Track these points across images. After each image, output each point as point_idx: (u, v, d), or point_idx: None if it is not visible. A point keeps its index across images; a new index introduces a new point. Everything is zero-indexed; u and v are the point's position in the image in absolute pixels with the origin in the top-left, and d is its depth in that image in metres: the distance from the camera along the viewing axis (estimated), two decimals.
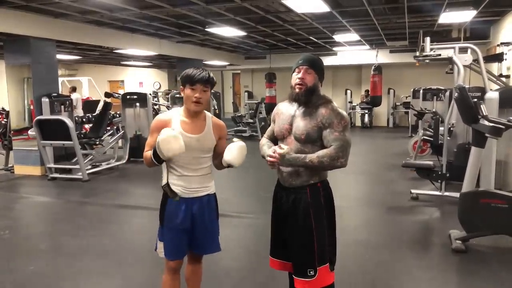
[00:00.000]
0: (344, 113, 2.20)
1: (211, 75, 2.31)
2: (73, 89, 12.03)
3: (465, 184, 3.89)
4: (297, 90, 2.19)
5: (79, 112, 10.72)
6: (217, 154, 2.42)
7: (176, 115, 2.34)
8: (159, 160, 2.22)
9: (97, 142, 7.66)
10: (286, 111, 2.29)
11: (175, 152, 2.16)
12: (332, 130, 2.13)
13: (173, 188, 2.32)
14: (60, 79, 11.57)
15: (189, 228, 2.35)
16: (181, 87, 2.32)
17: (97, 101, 11.95)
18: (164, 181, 2.33)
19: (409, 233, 4.42)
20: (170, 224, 2.35)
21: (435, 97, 10.73)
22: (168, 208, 2.35)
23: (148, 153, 2.31)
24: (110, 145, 8.01)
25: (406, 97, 13.88)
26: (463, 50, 5.45)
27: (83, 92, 14.06)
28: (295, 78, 2.21)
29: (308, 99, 2.18)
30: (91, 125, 8.40)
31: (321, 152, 2.12)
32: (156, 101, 13.56)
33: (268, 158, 2.18)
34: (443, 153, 5.40)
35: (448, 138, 5.54)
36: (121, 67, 17.12)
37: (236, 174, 7.35)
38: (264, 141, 2.41)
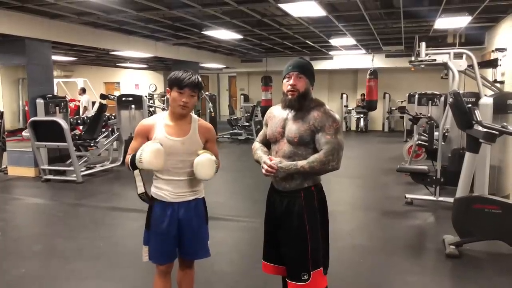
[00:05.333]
0: (336, 115, 2.19)
1: (200, 79, 2.29)
2: (83, 91, 12.06)
3: (459, 189, 3.91)
4: (289, 96, 2.19)
5: (92, 113, 10.87)
6: None
7: (160, 119, 2.33)
8: (134, 167, 2.21)
9: (92, 144, 7.63)
10: (278, 114, 2.29)
11: (153, 167, 2.17)
12: (324, 133, 2.13)
13: (159, 192, 2.31)
14: (56, 80, 11.56)
15: (176, 233, 2.33)
16: (168, 88, 2.31)
17: (93, 103, 11.95)
18: (140, 190, 2.28)
19: (403, 237, 4.43)
20: (156, 229, 2.33)
21: (430, 102, 10.75)
22: (154, 213, 2.34)
23: (128, 157, 2.29)
24: (104, 147, 7.97)
25: (402, 101, 13.91)
26: (458, 56, 5.48)
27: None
28: (287, 84, 2.20)
29: (301, 104, 2.18)
30: (82, 126, 8.39)
31: (312, 158, 2.12)
32: (151, 103, 13.53)
33: (265, 172, 2.18)
34: (438, 158, 5.41)
35: (443, 143, 5.55)
36: (117, 69, 17.08)
37: (232, 177, 7.35)
38: (257, 145, 2.40)
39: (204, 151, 2.28)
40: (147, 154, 2.13)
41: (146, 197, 2.29)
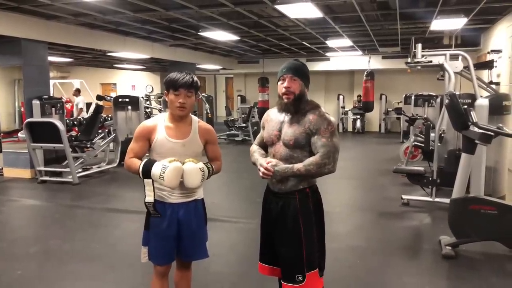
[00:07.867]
0: (332, 118, 2.19)
1: (195, 79, 2.28)
2: (78, 91, 12.06)
3: (455, 190, 3.92)
4: (285, 100, 2.19)
5: (85, 114, 10.93)
6: (208, 160, 2.41)
7: (161, 121, 2.32)
8: (146, 175, 2.18)
9: (88, 145, 7.61)
10: (275, 117, 2.29)
11: (172, 186, 2.15)
12: (320, 136, 2.13)
13: (159, 193, 2.29)
14: (52, 81, 11.53)
15: (175, 233, 2.32)
16: (165, 91, 2.30)
17: (89, 104, 11.94)
18: (150, 199, 2.20)
19: (400, 238, 4.44)
20: (155, 230, 2.33)
21: (426, 103, 10.80)
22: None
23: (133, 164, 2.25)
24: (101, 148, 7.96)
25: (398, 103, 13.96)
26: (454, 57, 5.50)
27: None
28: (281, 87, 2.20)
29: (297, 107, 2.19)
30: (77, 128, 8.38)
31: (307, 161, 2.12)
32: (148, 104, 13.52)
33: (261, 174, 2.18)
34: (434, 159, 5.43)
35: (439, 144, 5.57)
36: (113, 70, 17.05)
37: (228, 178, 7.34)
38: (254, 148, 2.40)
39: (190, 159, 2.23)
40: (170, 173, 2.10)
41: (153, 207, 2.22)
